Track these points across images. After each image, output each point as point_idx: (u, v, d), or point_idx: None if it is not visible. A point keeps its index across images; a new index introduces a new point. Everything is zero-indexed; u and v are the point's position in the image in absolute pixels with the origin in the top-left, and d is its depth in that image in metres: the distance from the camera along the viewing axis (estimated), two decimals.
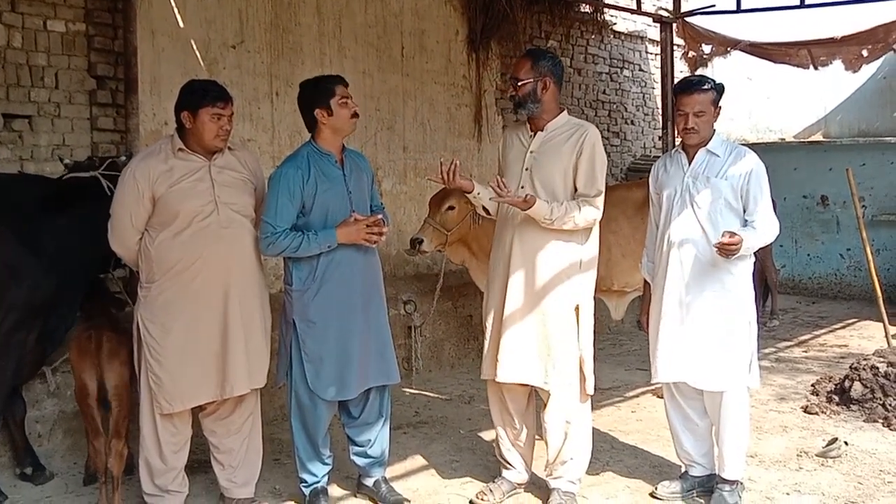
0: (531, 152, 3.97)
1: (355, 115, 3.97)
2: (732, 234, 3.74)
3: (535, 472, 4.29)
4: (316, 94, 3.92)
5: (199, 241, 3.70)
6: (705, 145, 3.99)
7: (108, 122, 5.48)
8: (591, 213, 3.88)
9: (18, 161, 5.12)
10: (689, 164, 4.01)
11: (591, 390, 4.02)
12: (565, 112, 4.05)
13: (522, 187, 3.94)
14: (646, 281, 4.28)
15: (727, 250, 3.73)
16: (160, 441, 3.82)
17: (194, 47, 5.90)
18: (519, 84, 3.92)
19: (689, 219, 3.96)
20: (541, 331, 3.91)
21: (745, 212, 3.94)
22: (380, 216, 3.94)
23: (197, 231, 3.70)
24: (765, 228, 3.91)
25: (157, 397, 3.74)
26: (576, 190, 3.93)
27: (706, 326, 3.93)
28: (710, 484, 4.17)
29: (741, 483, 4.13)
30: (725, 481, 4.06)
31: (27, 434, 4.38)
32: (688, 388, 4.09)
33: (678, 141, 4.17)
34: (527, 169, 3.96)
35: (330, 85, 3.93)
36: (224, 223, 3.75)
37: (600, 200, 3.92)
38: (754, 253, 4.01)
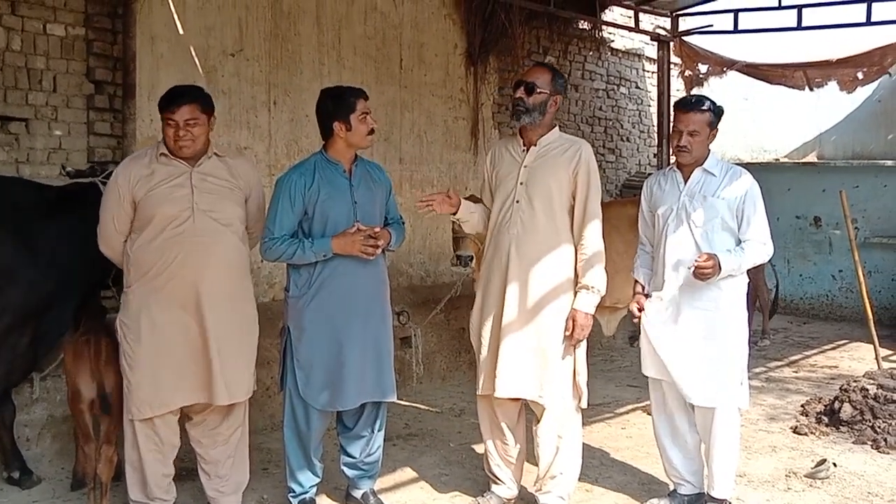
0: (525, 166, 3.98)
1: (372, 131, 3.98)
2: (710, 256, 3.79)
3: (524, 485, 4.28)
4: (338, 107, 3.91)
5: (171, 246, 3.65)
6: (701, 164, 4.01)
7: (106, 126, 5.48)
8: (596, 232, 3.95)
9: (14, 164, 5.12)
10: (685, 182, 4.03)
11: (584, 404, 4.03)
12: (557, 128, 4.07)
13: (517, 202, 3.96)
14: (636, 280, 4.23)
15: (702, 273, 3.78)
16: (140, 448, 3.78)
17: (193, 54, 5.90)
18: (537, 91, 3.92)
19: (685, 238, 3.98)
20: (537, 345, 3.91)
21: (739, 231, 3.97)
22: (377, 228, 3.92)
23: (170, 237, 3.65)
24: (756, 249, 3.93)
25: (128, 403, 3.72)
26: (573, 205, 3.95)
27: (700, 343, 3.94)
28: (698, 503, 4.17)
29: (730, 502, 4.13)
30: (714, 500, 4.06)
31: (16, 438, 4.36)
32: (678, 403, 4.10)
33: (672, 159, 4.19)
34: (521, 183, 3.97)
35: (352, 99, 3.92)
36: (199, 231, 3.68)
37: (598, 221, 3.97)
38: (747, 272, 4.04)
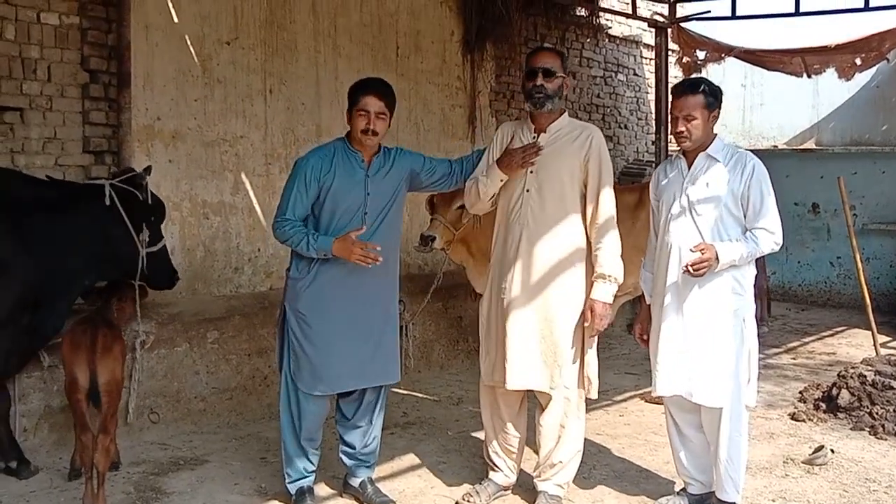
0: None
1: (370, 132, 3.81)
2: (705, 247, 3.64)
3: (523, 469, 4.27)
4: (349, 98, 3.92)
5: None
6: (705, 150, 3.84)
7: (101, 116, 5.44)
8: (611, 221, 3.91)
9: (9, 154, 5.08)
10: (689, 169, 3.88)
11: (594, 394, 4.00)
12: (566, 113, 4.03)
13: (528, 191, 3.92)
14: (642, 293, 4.13)
15: (697, 270, 3.63)
16: None
17: (188, 43, 5.87)
18: (556, 75, 3.87)
19: (688, 227, 3.81)
20: (548, 336, 3.89)
21: (745, 219, 3.81)
22: (370, 243, 3.72)
23: None
24: (762, 239, 3.77)
25: None
26: (584, 193, 3.91)
27: (705, 340, 3.78)
28: (709, 502, 4.02)
29: None
30: (721, 502, 3.91)
31: (12, 428, 4.36)
32: (683, 400, 3.93)
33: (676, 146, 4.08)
34: (532, 171, 3.92)
35: (356, 95, 3.88)
36: None
37: (612, 209, 3.93)
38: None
